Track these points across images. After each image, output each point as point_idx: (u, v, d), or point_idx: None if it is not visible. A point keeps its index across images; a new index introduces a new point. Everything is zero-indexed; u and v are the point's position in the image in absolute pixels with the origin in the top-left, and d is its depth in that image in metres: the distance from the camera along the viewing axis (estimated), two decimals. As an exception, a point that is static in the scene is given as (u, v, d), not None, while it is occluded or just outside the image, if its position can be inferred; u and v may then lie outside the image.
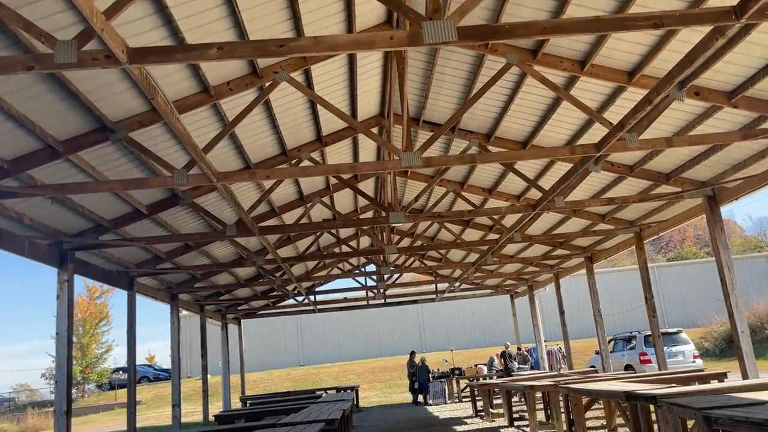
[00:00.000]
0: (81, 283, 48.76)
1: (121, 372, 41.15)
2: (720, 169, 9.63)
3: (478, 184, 13.13)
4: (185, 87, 7.22)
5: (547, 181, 11.16)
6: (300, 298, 21.73)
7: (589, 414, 10.66)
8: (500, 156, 7.50)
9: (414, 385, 20.66)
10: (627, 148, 7.32)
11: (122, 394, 37.96)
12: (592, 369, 16.83)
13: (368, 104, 10.28)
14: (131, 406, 12.12)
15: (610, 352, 20.11)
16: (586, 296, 31.77)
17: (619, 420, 9.37)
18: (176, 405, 14.53)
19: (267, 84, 7.34)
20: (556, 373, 15.12)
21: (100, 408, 35.37)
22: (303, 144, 10.41)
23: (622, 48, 7.28)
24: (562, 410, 10.71)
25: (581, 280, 34.70)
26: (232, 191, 8.27)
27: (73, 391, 39.40)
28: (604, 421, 10.71)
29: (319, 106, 9.27)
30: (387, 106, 9.92)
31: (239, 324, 23.32)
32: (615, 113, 8.17)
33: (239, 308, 21.36)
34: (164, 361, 57.65)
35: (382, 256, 17.85)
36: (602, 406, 10.15)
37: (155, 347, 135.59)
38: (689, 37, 6.65)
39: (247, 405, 18.41)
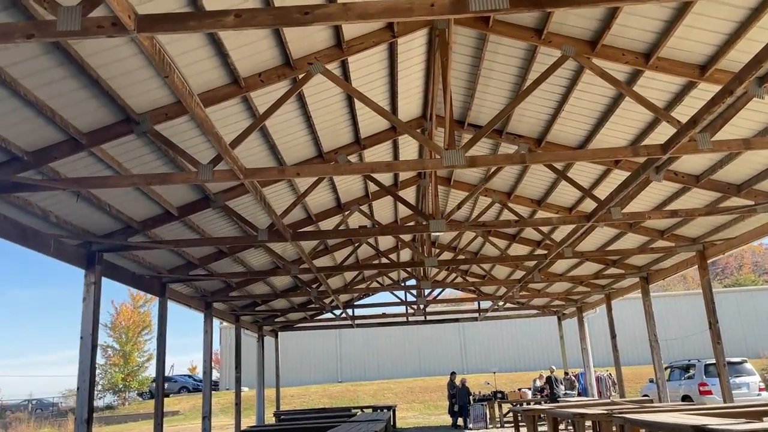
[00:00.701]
0: (125, 291, 49.59)
1: (161, 381, 41.40)
2: (800, 181, 8.65)
3: (526, 195, 12.37)
4: (214, 78, 6.78)
5: (603, 192, 10.31)
6: (338, 312, 21.18)
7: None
8: (553, 156, 6.78)
9: (454, 408, 19.74)
10: (698, 150, 6.50)
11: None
12: (645, 398, 15.63)
13: (409, 105, 9.72)
14: (158, 416, 11.71)
15: (666, 380, 18.80)
16: (637, 321, 30.67)
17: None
18: (206, 417, 14.09)
19: (301, 76, 6.85)
20: (607, 400, 14.05)
21: (140, 416, 35.44)
22: (340, 146, 9.89)
23: (694, 37, 6.51)
24: (616, 442, 9.76)
25: (631, 304, 33.28)
26: (262, 192, 7.78)
27: (115, 398, 39.83)
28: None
29: (357, 106, 8.76)
30: (429, 106, 9.33)
31: (276, 336, 22.88)
32: (682, 114, 7.35)
33: (276, 320, 20.92)
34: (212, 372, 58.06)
35: (422, 269, 17.17)
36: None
37: (198, 358, 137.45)
38: (774, 22, 5.85)
39: (280, 420, 17.86)
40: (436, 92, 8.75)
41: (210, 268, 12.57)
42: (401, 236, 14.58)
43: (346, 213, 12.18)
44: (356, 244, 14.85)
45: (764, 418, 8.60)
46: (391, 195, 10.44)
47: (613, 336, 17.17)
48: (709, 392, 16.44)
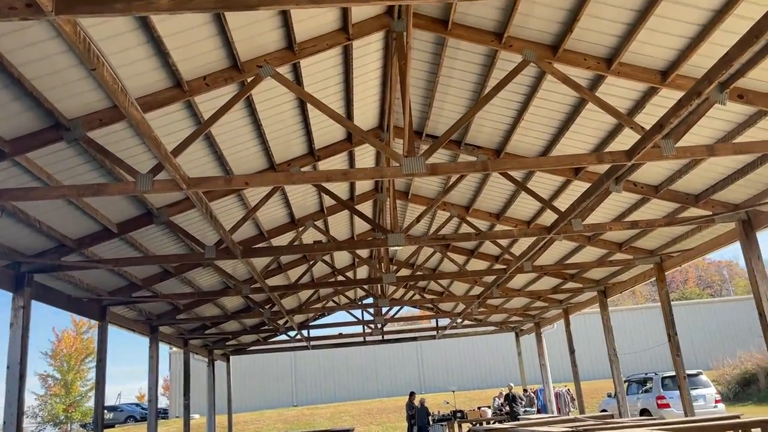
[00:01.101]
0: (67, 317, 47.31)
1: (106, 411, 39.38)
2: (757, 189, 8.63)
3: (484, 209, 12.14)
4: (154, 80, 6.25)
5: (562, 204, 10.16)
6: (293, 334, 20.48)
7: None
8: (516, 163, 6.49)
9: (413, 429, 19.24)
10: (662, 156, 6.27)
11: (106, 435, 36.29)
12: (605, 413, 15.50)
13: (365, 115, 9.37)
14: (97, 450, 10.84)
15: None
16: (592, 336, 30.93)
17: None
18: (152, 449, 13.21)
19: (249, 79, 6.39)
20: (569, 417, 13.83)
21: (82, 450, 33.59)
22: (293, 158, 9.42)
23: (656, 41, 6.36)
24: (581, 461, 9.48)
25: (585, 319, 33.59)
26: (208, 204, 7.24)
27: (56, 431, 37.66)
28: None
29: (311, 114, 8.33)
30: (387, 116, 9.00)
31: (228, 360, 21.98)
32: (644, 121, 7.20)
33: (227, 343, 20.05)
34: (160, 399, 55.72)
35: (379, 287, 16.74)
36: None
37: (145, 386, 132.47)
38: (736, 26, 5.73)
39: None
40: (393, 100, 8.40)
41: (155, 290, 11.82)
42: (358, 252, 14.12)
43: (300, 229, 11.65)
44: (311, 262, 14.31)
45: (731, 432, 8.46)
46: (347, 208, 10.02)
47: (572, 351, 17.04)
48: (667, 405, 16.48)
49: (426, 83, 8.41)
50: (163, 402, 47.03)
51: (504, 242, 13.21)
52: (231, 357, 22.04)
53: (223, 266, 12.49)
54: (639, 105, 7.31)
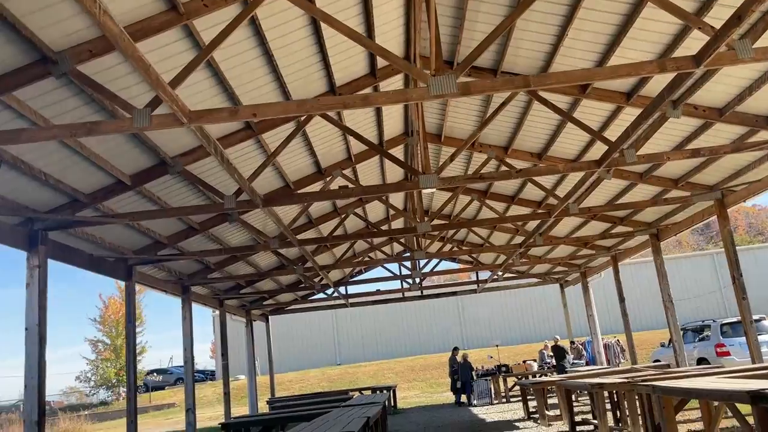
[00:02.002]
0: (113, 283, 48.34)
1: (155, 374, 40.37)
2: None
3: (525, 148, 11.23)
4: (146, 4, 5.54)
5: (613, 136, 9.13)
6: (330, 291, 20.10)
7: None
8: (563, 77, 5.54)
9: (456, 385, 18.75)
10: (737, 60, 5.34)
11: (157, 396, 37.08)
12: (661, 363, 14.61)
13: (389, 43, 8.40)
14: (131, 413, 10.60)
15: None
16: (639, 286, 29.60)
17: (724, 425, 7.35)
18: (190, 410, 12.99)
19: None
20: (624, 368, 13.04)
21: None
22: (313, 97, 8.65)
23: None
24: (639, 414, 8.73)
25: (631, 269, 32.29)
26: (216, 143, 6.57)
27: (109, 393, 38.79)
28: (694, 428, 8.71)
29: (328, 45, 7.53)
30: (414, 45, 8.10)
31: (267, 321, 21.79)
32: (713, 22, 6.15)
33: (265, 303, 19.78)
34: (208, 362, 57.00)
35: (415, 241, 16.04)
36: (696, 409, 8.11)
37: (199, 349, 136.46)
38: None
39: (272, 408, 16.82)
40: (419, 25, 7.53)
41: (180, 247, 11.40)
42: (392, 203, 13.43)
43: (328, 179, 10.95)
44: (342, 215, 13.70)
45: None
46: (376, 151, 9.23)
47: (622, 300, 16.13)
48: (727, 353, 15.49)
49: (455, 9, 7.48)
50: (210, 364, 48.07)
51: (548, 184, 12.33)
52: (270, 317, 21.83)
53: (253, 222, 12.06)
54: (705, 6, 6.24)
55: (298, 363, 36.36)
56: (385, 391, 17.08)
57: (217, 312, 19.12)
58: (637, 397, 9.00)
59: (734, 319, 16.77)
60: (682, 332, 18.27)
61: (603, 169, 8.25)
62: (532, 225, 14.59)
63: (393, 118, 10.90)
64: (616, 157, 7.98)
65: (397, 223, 18.18)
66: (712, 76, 7.35)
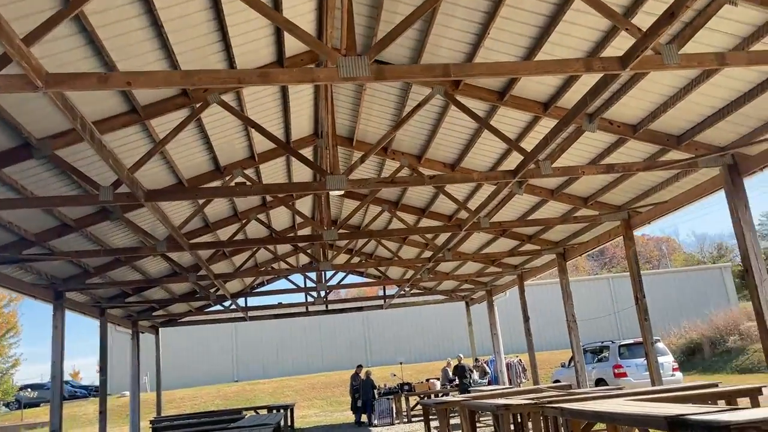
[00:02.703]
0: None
1: (29, 390, 36.79)
2: (748, 128, 7.56)
3: (439, 158, 10.93)
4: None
5: (529, 146, 8.85)
6: (227, 304, 18.86)
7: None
8: (486, 68, 5.03)
9: (357, 403, 18.02)
10: (664, 65, 5.04)
11: (30, 414, 33.60)
12: (562, 384, 14.59)
13: (299, 20, 7.69)
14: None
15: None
16: (541, 307, 30.13)
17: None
18: (55, 431, 11.47)
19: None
20: (527, 387, 12.83)
21: (2, 430, 31.03)
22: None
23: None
24: (545, 437, 8.40)
25: (533, 291, 32.92)
26: (85, 119, 5.57)
27: (-28, 410, 34.86)
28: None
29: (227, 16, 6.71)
30: (325, 27, 7.42)
31: (157, 333, 20.16)
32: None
33: (155, 314, 18.22)
34: (95, 377, 52.77)
35: (321, 252, 15.26)
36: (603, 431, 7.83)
37: (85, 362, 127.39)
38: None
39: (154, 429, 15.39)
40: (332, 12, 6.86)
41: (52, 246, 10.01)
42: (298, 209, 12.59)
43: (228, 178, 9.94)
44: (243, 221, 12.68)
45: (715, 401, 7.48)
46: (282, 148, 8.28)
47: (527, 319, 16.11)
48: (624, 374, 15.76)
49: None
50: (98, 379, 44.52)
51: (460, 196, 12.00)
52: (160, 329, 20.22)
53: (140, 222, 10.82)
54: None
55: (192, 379, 34.28)
56: (281, 410, 16.07)
57: (129, 329, 17.42)
58: (542, 419, 8.68)
59: (631, 341, 17.18)
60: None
61: (517, 180, 7.92)
62: (442, 239, 14.26)
63: (302, 116, 10.14)
64: (532, 168, 7.68)
65: (305, 233, 17.33)
66: (629, 89, 7.17)
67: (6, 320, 35.67)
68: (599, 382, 16.64)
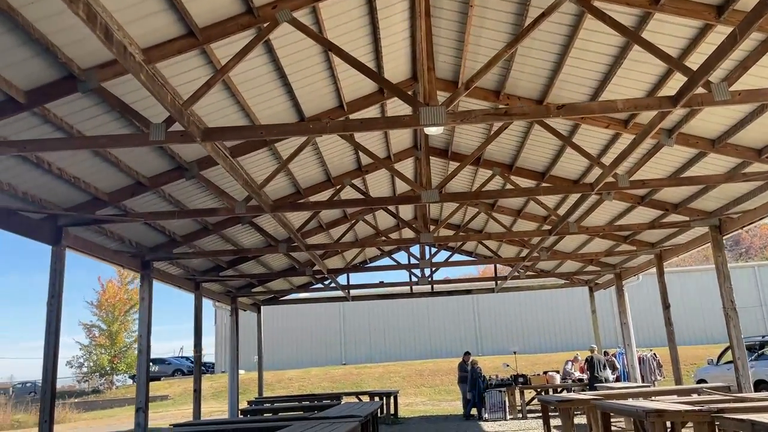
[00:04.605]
0: (111, 269, 46.58)
1: (152, 364, 38.46)
2: None
3: (528, 167, 11.26)
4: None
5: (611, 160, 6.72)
6: (327, 282, 17.84)
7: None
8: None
9: (466, 395, 16.34)
10: (714, 101, 5.21)
11: (151, 388, 35.00)
12: (720, 385, 11.93)
13: (397, 61, 8.64)
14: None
15: (726, 363, 15.22)
16: (672, 298, 25.65)
17: None
18: (141, 409, 10.75)
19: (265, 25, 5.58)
20: (675, 387, 10.53)
21: (126, 401, 32.41)
22: (323, 111, 8.96)
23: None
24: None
25: (673, 277, 29.11)
26: (226, 154, 4.36)
27: (101, 381, 36.95)
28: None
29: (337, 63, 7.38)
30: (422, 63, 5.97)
31: (259, 311, 19.54)
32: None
33: (254, 291, 17.46)
34: (206, 355, 54.92)
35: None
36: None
37: (206, 342, 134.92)
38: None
39: (250, 411, 14.61)
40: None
41: (195, 246, 11.10)
42: (401, 215, 12.50)
43: (338, 187, 10.68)
44: (352, 221, 13.82)
45: None
46: (382, 165, 9.48)
47: (667, 306, 13.52)
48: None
49: (457, 24, 7.46)
50: (209, 357, 46.12)
51: (551, 203, 12.40)
52: (262, 307, 19.57)
53: (265, 226, 12.43)
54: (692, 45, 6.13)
55: (303, 360, 34.20)
56: (377, 399, 14.75)
57: (218, 303, 17.10)
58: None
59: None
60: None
61: (596, 192, 8.22)
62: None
63: (402, 132, 10.96)
64: (610, 181, 7.95)
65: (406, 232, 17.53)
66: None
67: (130, 297, 37.40)
68: (759, 383, 13.76)
